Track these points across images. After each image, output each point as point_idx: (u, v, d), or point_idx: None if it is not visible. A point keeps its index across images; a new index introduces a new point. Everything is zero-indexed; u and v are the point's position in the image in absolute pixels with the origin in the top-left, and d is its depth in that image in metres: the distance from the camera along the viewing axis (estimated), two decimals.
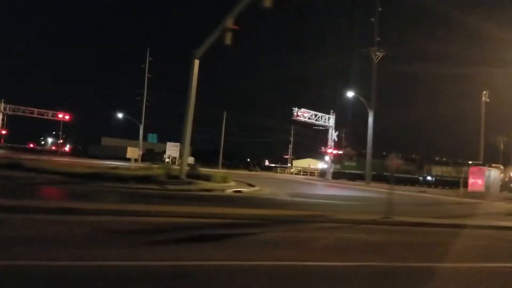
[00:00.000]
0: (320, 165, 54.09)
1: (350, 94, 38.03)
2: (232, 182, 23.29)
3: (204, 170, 45.83)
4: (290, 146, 66.98)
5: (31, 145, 71.26)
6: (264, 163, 75.05)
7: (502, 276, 5.96)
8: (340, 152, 47.91)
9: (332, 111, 43.85)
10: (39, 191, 13.33)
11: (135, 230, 7.20)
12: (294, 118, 41.21)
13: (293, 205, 15.11)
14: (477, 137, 53.36)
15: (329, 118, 43.66)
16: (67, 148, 68.03)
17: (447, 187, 45.62)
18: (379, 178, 46.89)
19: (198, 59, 19.98)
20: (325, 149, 45.44)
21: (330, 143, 44.65)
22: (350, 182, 41.42)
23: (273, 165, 76.01)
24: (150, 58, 61.90)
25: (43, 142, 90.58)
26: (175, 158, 78.47)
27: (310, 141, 62.22)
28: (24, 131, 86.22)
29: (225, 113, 65.62)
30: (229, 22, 16.45)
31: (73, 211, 8.63)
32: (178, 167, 24.15)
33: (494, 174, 41.29)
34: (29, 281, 4.23)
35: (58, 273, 4.52)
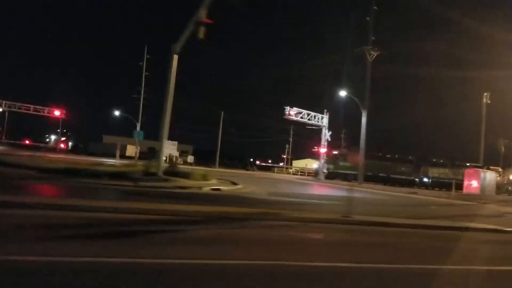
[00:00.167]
0: (315, 165, 53.69)
1: (342, 93, 37.60)
2: (213, 180, 22.95)
3: (200, 169, 45.68)
4: (287, 146, 66.53)
5: (27, 142, 71.42)
6: (255, 163, 74.71)
7: (411, 277, 5.58)
8: (335, 152, 47.50)
9: (325, 110, 43.48)
10: None
11: (52, 225, 6.87)
12: (286, 117, 40.85)
13: (262, 203, 14.73)
14: (477, 139, 52.92)
15: (322, 118, 43.22)
16: (63, 145, 67.94)
17: (444, 189, 45.11)
18: (374, 178, 46.51)
19: (177, 54, 19.71)
20: (318, 148, 45.05)
21: (324, 142, 44.21)
22: (342, 182, 40.96)
23: (271, 165, 75.67)
24: (147, 56, 61.87)
25: (48, 140, 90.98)
26: (176, 156, 78.87)
27: (310, 141, 61.92)
28: (27, 128, 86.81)
29: (222, 113, 65.42)
30: (202, 16, 16.12)
31: (7, 204, 8.33)
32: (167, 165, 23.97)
33: (490, 176, 40.70)
34: None
35: None
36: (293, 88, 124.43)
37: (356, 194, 27.45)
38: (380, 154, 49.58)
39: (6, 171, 17.71)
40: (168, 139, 75.13)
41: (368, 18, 38.22)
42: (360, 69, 39.48)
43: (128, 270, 4.71)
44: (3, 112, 66.01)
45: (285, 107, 40.49)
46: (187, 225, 8.04)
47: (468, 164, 48.29)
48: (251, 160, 75.04)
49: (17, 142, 67.56)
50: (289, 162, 76.59)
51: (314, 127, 44.06)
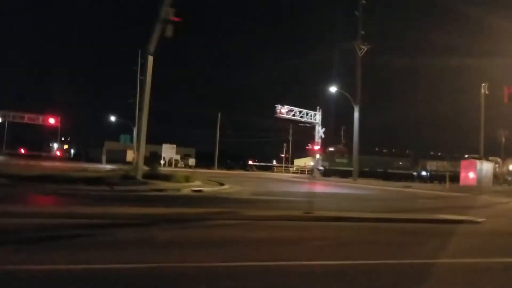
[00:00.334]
0: (312, 163, 53.29)
1: (333, 89, 37.19)
2: (197, 182, 22.62)
3: (189, 171, 45.21)
4: (285, 145, 66.12)
5: (22, 151, 71.73)
6: (254, 163, 74.46)
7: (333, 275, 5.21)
8: (331, 149, 47.12)
9: (318, 107, 43.11)
10: None
11: None
12: (277, 115, 40.48)
13: (235, 202, 14.43)
14: (478, 131, 52.21)
15: (315, 115, 42.83)
16: (59, 153, 68.13)
17: (443, 182, 44.60)
18: (372, 174, 46.09)
19: (151, 55, 19.47)
20: (312, 146, 44.67)
21: (317, 140, 43.80)
22: (338, 179, 40.54)
23: (270, 164, 75.34)
24: (142, 61, 61.79)
25: (49, 148, 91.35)
26: (176, 160, 78.92)
27: (309, 139, 61.46)
28: (28, 138, 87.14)
29: (219, 114, 65.19)
30: (169, 14, 15.83)
31: None
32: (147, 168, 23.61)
33: (487, 167, 40.15)
34: None
35: None
36: (288, 87, 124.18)
37: (346, 190, 27.29)
38: (377, 149, 49.18)
39: None
40: (167, 143, 75.30)
41: (357, 12, 37.82)
42: (354, 64, 39.07)
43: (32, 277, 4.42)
44: (3, 122, 66.35)
45: (276, 105, 40.18)
46: (125, 228, 7.72)
47: (466, 156, 47.69)
48: (249, 161, 74.78)
49: (15, 152, 67.84)
50: (289, 161, 76.26)
51: (307, 125, 43.74)
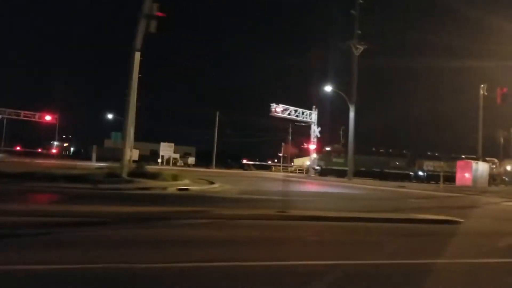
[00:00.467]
0: (308, 162, 53.10)
1: (328, 89, 36.92)
2: (186, 181, 22.41)
3: (194, 170, 45.02)
4: (283, 144, 65.87)
5: (18, 148, 71.81)
6: (251, 162, 74.36)
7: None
8: (328, 148, 46.86)
9: (314, 106, 42.80)
10: None
11: None
12: (272, 114, 40.22)
13: (217, 201, 14.28)
14: (476, 132, 51.92)
15: (310, 114, 42.54)
16: (55, 150, 68.13)
17: (440, 183, 44.34)
18: (368, 174, 45.82)
19: (138, 50, 19.28)
20: (307, 145, 44.42)
21: (313, 139, 43.51)
22: (333, 179, 40.32)
23: (269, 164, 75.11)
24: (140, 58, 61.67)
25: (50, 146, 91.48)
26: (175, 158, 78.87)
27: (308, 138, 61.13)
28: (27, 135, 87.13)
29: (218, 114, 64.99)
30: (153, 10, 15.64)
31: None
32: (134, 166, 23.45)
33: (482, 168, 39.91)
34: None
35: None
36: (288, 86, 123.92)
37: (338, 190, 27.03)
38: (373, 149, 48.89)
39: None
40: (166, 141, 75.01)
41: (353, 12, 37.53)
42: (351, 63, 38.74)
43: None
44: (1, 119, 66.35)
45: (271, 104, 39.89)
46: (81, 227, 7.51)
47: (463, 157, 47.38)
48: (243, 160, 74.69)
49: (11, 149, 67.94)
50: (288, 161, 75.97)
51: (303, 124, 43.47)
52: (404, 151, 49.04)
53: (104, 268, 4.79)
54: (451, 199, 23.02)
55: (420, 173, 48.10)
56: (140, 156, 75.58)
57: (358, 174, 45.06)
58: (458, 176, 39.99)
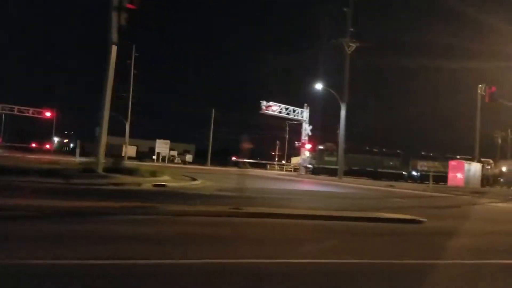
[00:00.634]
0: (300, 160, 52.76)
1: (319, 86, 36.51)
2: (165, 177, 22.11)
3: (188, 167, 44.53)
4: (278, 142, 65.49)
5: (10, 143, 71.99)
6: (230, 159, 74.19)
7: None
8: (321, 147, 46.49)
9: (306, 104, 42.40)
10: None
11: None
12: (263, 111, 39.83)
13: (186, 198, 13.97)
14: (473, 132, 51.44)
15: (302, 112, 42.14)
16: (48, 146, 68.05)
17: (434, 182, 43.91)
18: (361, 173, 45.41)
19: (115, 44, 18.97)
20: (298, 143, 44.04)
21: (304, 137, 43.12)
22: (323, 178, 39.97)
23: (264, 162, 74.64)
24: (136, 54, 61.48)
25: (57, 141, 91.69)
26: (173, 156, 78.71)
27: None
28: (28, 131, 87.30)
29: (213, 110, 64.67)
30: (123, 1, 15.35)
31: None
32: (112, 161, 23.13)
33: (475, 168, 39.49)
34: None
35: None
36: (284, 85, 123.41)
37: (323, 188, 26.69)
38: (367, 148, 48.48)
39: None
40: (162, 138, 74.20)
41: (346, 9, 37.08)
42: (352, 61, 38.34)
43: None
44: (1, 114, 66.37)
45: (261, 102, 39.53)
46: (12, 221, 7.24)
47: (458, 157, 46.91)
48: (232, 157, 74.53)
49: (11, 144, 68.07)
50: (285, 159, 75.64)
51: (294, 122, 43.04)
52: (398, 151, 48.57)
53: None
54: (435, 199, 22.67)
55: (414, 173, 47.63)
56: (139, 153, 75.65)
57: (351, 173, 44.65)
58: (450, 176, 39.62)
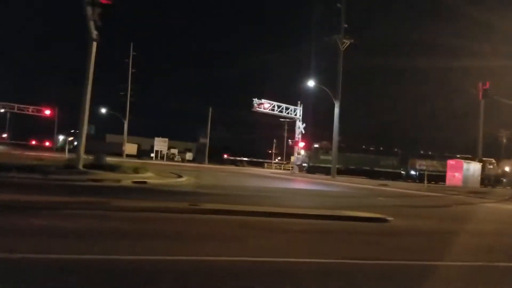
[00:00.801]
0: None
1: (311, 83, 36.09)
2: (149, 173, 21.94)
3: (185, 164, 44.31)
4: (275, 141, 65.13)
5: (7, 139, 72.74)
6: (222, 157, 74.15)
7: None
8: (316, 145, 46.08)
9: (299, 102, 41.96)
10: None
11: None
12: (254, 109, 39.45)
13: (154, 194, 13.80)
14: (477, 131, 50.82)
15: (295, 110, 41.70)
16: (48, 143, 68.35)
17: (433, 182, 43.35)
18: (357, 172, 44.94)
19: (95, 41, 18.81)
20: (292, 141, 43.60)
21: (297, 135, 42.70)
22: (317, 176, 39.58)
23: (262, 160, 74.46)
24: (134, 53, 61.58)
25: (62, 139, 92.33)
26: (173, 154, 78.75)
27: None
28: (32, 129, 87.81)
29: (210, 109, 64.46)
30: None
31: None
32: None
33: (474, 168, 38.87)
34: None
35: None
36: (280, 83, 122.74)
37: (311, 187, 26.38)
38: (364, 146, 47.99)
39: None
40: (159, 136, 74.30)
41: (339, 5, 36.63)
42: (345, 59, 37.93)
43: None
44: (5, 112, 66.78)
45: (253, 99, 39.17)
46: None
47: (458, 156, 46.25)
48: (224, 155, 74.58)
49: (15, 142, 68.73)
50: (284, 157, 75.27)
51: (287, 120, 42.61)
52: (396, 150, 48.00)
53: None
54: (424, 199, 22.27)
55: (413, 172, 46.99)
56: (141, 151, 75.73)
57: (347, 172, 44.23)
58: (448, 175, 39.05)
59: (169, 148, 75.64)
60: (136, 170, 21.26)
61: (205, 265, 5.14)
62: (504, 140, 68.06)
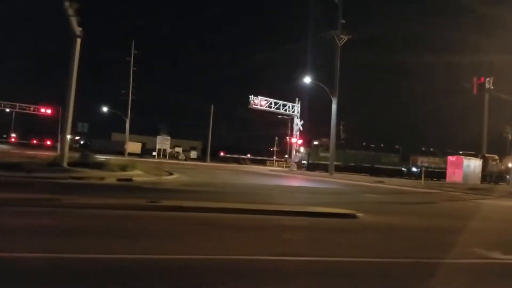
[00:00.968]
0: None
1: (307, 80, 35.72)
2: (137, 171, 21.81)
3: (186, 163, 44.07)
4: (277, 139, 64.84)
5: (12, 139, 73.27)
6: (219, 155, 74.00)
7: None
8: (316, 142, 45.69)
9: (297, 99, 41.55)
10: None
11: None
12: (251, 106, 39.14)
13: (130, 192, 13.64)
14: (481, 128, 50.11)
15: (292, 107, 41.31)
16: (49, 142, 68.65)
17: (435, 179, 42.78)
18: (357, 169, 44.49)
19: (79, 37, 18.72)
20: (289, 139, 43.19)
21: (295, 132, 42.30)
22: (315, 173, 39.20)
23: (265, 158, 74.29)
24: (135, 51, 61.58)
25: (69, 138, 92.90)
26: (177, 152, 78.89)
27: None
28: (41, 128, 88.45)
29: (212, 106, 64.33)
30: None
31: None
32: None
33: (474, 164, 38.24)
34: None
35: None
36: (280, 80, 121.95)
37: (305, 184, 26.08)
38: (364, 143, 47.49)
39: None
40: (162, 135, 74.45)
41: (336, 0, 36.21)
42: (342, 55, 37.52)
43: None
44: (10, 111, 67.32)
45: (249, 96, 38.86)
46: None
47: (461, 152, 45.55)
48: (220, 152, 74.46)
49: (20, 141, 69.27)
50: (288, 154, 74.96)
51: (285, 117, 42.27)
52: (397, 146, 47.44)
53: None
54: (415, 196, 21.83)
55: (414, 169, 46.39)
56: (145, 149, 75.95)
57: (347, 169, 43.80)
58: (449, 172, 38.46)
59: (173, 147, 75.82)
60: (123, 168, 21.15)
61: (136, 263, 4.94)
62: (510, 137, 66.94)
